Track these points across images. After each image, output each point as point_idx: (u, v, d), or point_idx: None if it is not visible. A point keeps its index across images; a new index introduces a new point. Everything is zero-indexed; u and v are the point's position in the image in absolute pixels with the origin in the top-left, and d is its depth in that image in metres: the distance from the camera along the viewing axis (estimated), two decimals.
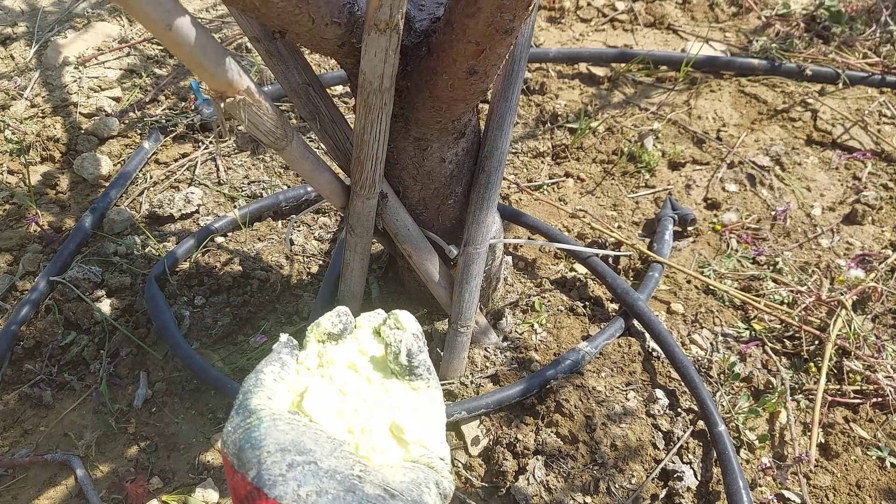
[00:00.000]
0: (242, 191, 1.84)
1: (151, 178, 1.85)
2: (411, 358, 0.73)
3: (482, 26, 0.85)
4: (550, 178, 1.96)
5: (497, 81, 1.27)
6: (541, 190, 1.93)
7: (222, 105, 0.83)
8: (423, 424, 0.70)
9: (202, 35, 0.73)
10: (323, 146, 1.38)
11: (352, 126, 1.13)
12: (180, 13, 0.69)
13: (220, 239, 1.69)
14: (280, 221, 1.78)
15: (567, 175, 1.96)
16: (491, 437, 1.37)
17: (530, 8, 0.88)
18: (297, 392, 0.70)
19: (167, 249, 1.66)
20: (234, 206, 1.78)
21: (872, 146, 1.99)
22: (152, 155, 1.91)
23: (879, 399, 1.43)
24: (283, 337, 0.76)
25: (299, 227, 1.75)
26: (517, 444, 1.32)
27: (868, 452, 1.36)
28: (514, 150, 2.02)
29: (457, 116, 1.16)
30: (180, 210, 1.73)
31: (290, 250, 1.66)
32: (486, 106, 1.23)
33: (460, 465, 1.34)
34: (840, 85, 2.15)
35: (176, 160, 1.91)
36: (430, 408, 0.72)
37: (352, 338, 0.78)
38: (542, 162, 2.00)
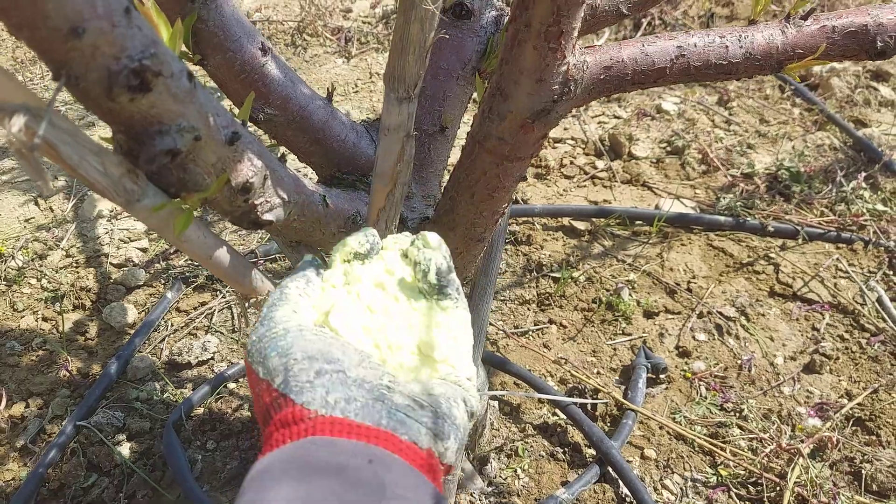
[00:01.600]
0: None
1: (172, 325, 2.05)
2: (440, 277, 0.70)
3: (459, 238, 1.06)
4: (535, 325, 2.14)
5: (479, 260, 1.47)
6: (526, 336, 2.10)
7: (246, 304, 1.02)
8: (452, 343, 0.68)
9: (234, 258, 0.93)
10: None
11: None
12: (220, 246, 0.90)
13: (232, 385, 1.86)
14: None
15: (551, 322, 2.15)
16: None
17: (498, 222, 1.09)
18: (323, 309, 0.67)
19: (184, 395, 1.82)
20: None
21: (830, 299, 2.18)
22: (174, 304, 2.11)
23: None
24: (308, 256, 0.74)
25: None
26: None
27: None
28: (502, 298, 2.22)
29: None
30: (197, 357, 1.91)
31: None
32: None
33: None
34: (800, 240, 2.37)
35: (195, 308, 2.11)
36: (459, 328, 0.70)
37: (378, 258, 0.75)
38: (528, 309, 2.19)
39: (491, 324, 2.11)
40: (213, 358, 1.95)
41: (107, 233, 2.33)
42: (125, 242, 2.30)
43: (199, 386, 1.80)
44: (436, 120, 1.15)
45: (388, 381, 0.59)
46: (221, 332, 2.03)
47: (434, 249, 0.71)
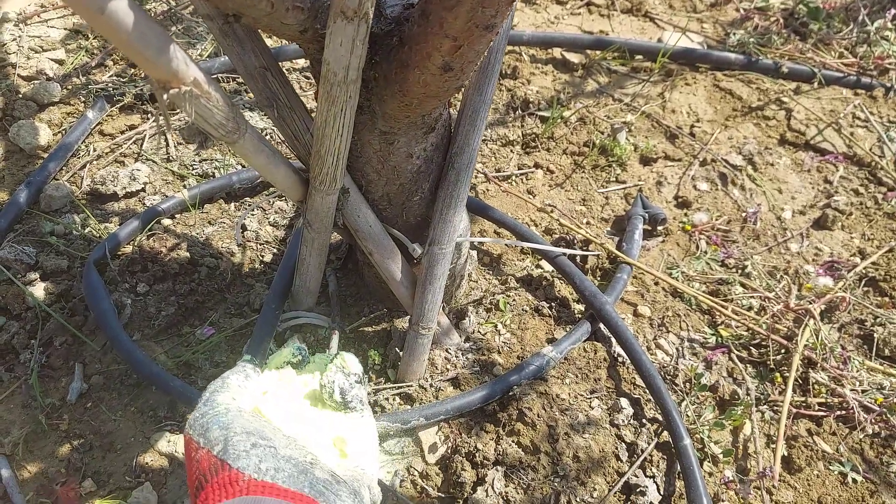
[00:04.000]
0: (193, 169, 1.73)
1: (94, 150, 1.72)
2: (343, 395, 0.86)
3: (461, 21, 0.77)
4: (519, 169, 1.88)
5: (474, 74, 1.18)
6: (509, 181, 1.85)
7: (165, 97, 0.73)
8: (361, 443, 0.83)
9: (142, 20, 0.63)
10: (280, 135, 1.28)
11: (313, 115, 1.04)
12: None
13: (167, 221, 1.58)
14: (233, 204, 1.67)
15: (537, 166, 1.89)
16: (449, 444, 1.31)
17: (514, 3, 0.80)
18: (256, 403, 0.79)
19: (109, 231, 1.54)
20: (184, 186, 1.67)
21: (845, 149, 1.97)
22: (96, 125, 1.78)
23: (843, 412, 1.41)
24: (246, 357, 0.89)
25: (254, 211, 1.65)
26: (476, 454, 1.26)
27: (830, 467, 1.34)
28: (483, 138, 1.94)
29: (427, 112, 1.07)
30: (125, 188, 1.62)
31: (242, 238, 1.56)
32: (459, 95, 1.15)
33: (416, 472, 1.28)
34: (815, 84, 2.12)
35: (122, 132, 1.78)
36: (365, 433, 0.86)
37: (307, 370, 0.92)
38: (512, 151, 1.93)
39: None
40: (143, 189, 1.65)
41: (14, 40, 1.94)
42: (36, 52, 1.92)
43: (126, 220, 1.52)
44: None
45: (310, 459, 0.70)
46: (154, 161, 1.72)
47: (338, 371, 0.87)
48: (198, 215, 1.62)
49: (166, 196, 1.64)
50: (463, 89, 1.17)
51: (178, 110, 1.77)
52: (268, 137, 1.79)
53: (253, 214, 1.63)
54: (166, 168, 1.72)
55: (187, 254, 1.51)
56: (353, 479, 0.73)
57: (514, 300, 1.56)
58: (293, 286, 1.37)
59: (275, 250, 1.58)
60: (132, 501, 1.20)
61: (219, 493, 0.61)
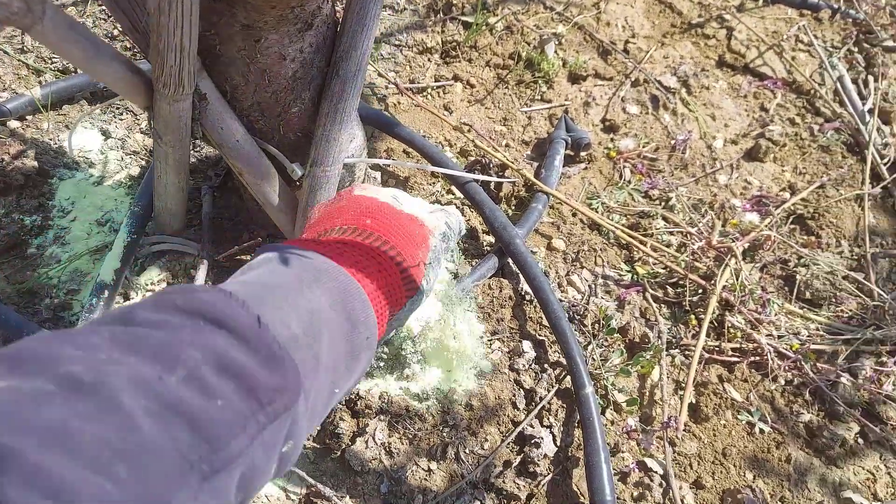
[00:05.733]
0: (52, 62, 1.48)
1: None
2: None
3: None
4: (436, 81, 1.70)
5: None
6: (424, 94, 1.67)
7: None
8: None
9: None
10: (117, 24, 1.06)
11: None
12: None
13: (14, 123, 1.35)
14: (99, 106, 1.45)
15: (456, 78, 1.71)
16: None
17: None
18: None
19: None
20: (39, 82, 1.43)
21: (785, 75, 1.84)
22: None
23: (757, 358, 1.34)
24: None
25: (122, 115, 1.43)
26: (358, 402, 1.14)
27: (738, 416, 1.28)
28: (397, 43, 1.74)
29: (295, 3, 0.88)
30: None
31: (73, 154, 1.34)
32: None
33: None
34: (760, 2, 1.96)
35: None
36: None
37: None
38: (429, 60, 1.73)
39: (380, 75, 1.65)
40: None
41: None
42: None
43: None
44: None
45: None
46: (5, 51, 1.47)
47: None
48: (53, 118, 1.39)
49: (16, 93, 1.40)
50: None
51: None
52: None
53: (121, 118, 1.42)
54: (20, 60, 1.47)
55: (35, 163, 1.29)
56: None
57: None
58: (154, 207, 1.19)
59: (143, 162, 1.37)
60: None
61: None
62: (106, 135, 1.39)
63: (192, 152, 1.37)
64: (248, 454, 0.47)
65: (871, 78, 1.83)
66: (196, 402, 0.45)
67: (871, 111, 1.75)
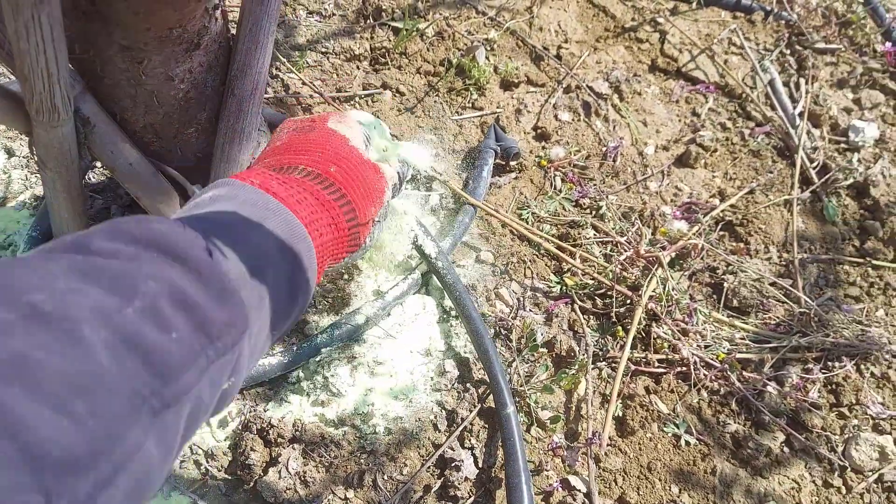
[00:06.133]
0: None
1: None
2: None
3: None
4: (365, 90, 1.66)
5: None
6: (352, 102, 1.63)
7: None
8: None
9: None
10: None
11: None
12: None
13: None
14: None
15: (385, 86, 1.67)
16: (242, 419, 1.14)
17: None
18: None
19: None
20: None
21: (717, 79, 1.84)
22: None
23: (684, 369, 1.34)
24: None
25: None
26: (270, 431, 1.10)
27: (664, 429, 1.27)
28: (323, 51, 1.69)
29: (173, 24, 0.84)
30: None
31: None
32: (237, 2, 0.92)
33: (201, 452, 1.11)
34: (693, 4, 1.96)
35: None
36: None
37: None
38: (358, 67, 1.69)
39: (305, 83, 1.61)
40: None
41: None
42: None
43: None
44: None
45: None
46: None
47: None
48: None
49: None
50: None
51: None
52: None
53: (22, 137, 1.36)
54: None
55: None
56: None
57: None
58: (53, 233, 1.14)
59: None
60: None
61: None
62: (10, 153, 1.33)
63: (100, 170, 1.31)
64: (197, 389, 0.47)
65: (802, 80, 1.84)
66: (152, 336, 0.44)
67: (801, 114, 1.76)
